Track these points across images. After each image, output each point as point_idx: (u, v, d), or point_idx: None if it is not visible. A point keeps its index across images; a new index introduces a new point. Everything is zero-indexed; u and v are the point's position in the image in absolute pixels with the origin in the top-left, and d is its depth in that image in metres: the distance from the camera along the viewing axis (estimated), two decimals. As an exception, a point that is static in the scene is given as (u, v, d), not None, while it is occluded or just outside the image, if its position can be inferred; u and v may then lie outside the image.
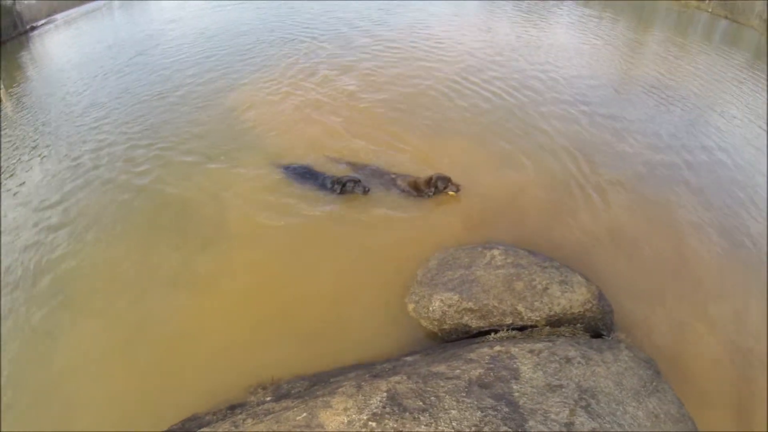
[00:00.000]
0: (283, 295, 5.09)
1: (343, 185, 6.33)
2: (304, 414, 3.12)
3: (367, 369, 3.88)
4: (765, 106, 10.69)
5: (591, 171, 7.18)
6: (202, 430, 3.49)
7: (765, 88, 11.84)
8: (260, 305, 5.04)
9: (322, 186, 6.53)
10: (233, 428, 3.32)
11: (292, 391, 3.82)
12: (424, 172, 6.60)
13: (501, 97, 9.36)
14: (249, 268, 5.48)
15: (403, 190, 6.44)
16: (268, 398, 3.92)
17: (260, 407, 3.60)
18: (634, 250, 5.89)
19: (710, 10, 18.02)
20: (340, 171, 6.92)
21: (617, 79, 11.10)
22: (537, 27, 14.42)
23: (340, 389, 3.27)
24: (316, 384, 3.84)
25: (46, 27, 16.77)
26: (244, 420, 3.40)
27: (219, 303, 5.10)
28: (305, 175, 6.80)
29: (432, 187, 6.21)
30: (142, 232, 6.18)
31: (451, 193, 6.28)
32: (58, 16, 17.59)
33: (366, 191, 6.34)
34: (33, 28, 16.31)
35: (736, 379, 4.64)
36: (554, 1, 17.58)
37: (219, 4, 16.68)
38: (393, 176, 6.69)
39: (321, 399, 3.23)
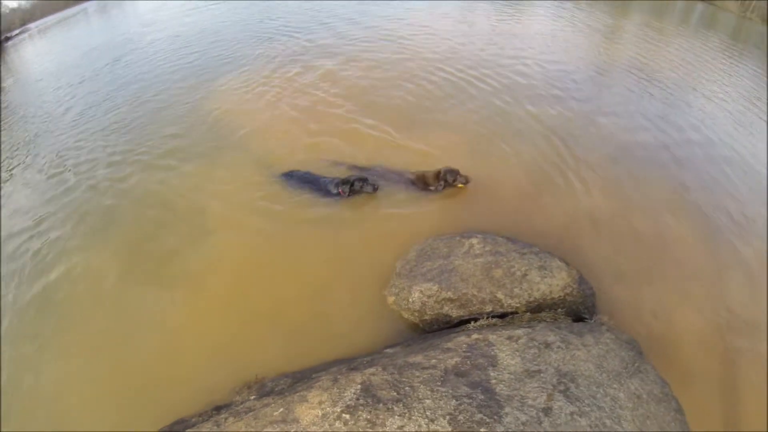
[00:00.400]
0: (267, 294, 5.07)
1: (351, 185, 6.00)
2: (281, 409, 3.11)
3: (348, 363, 3.85)
4: (743, 86, 10.79)
5: (570, 155, 7.18)
6: (187, 431, 3.46)
7: (743, 68, 11.94)
8: (245, 305, 5.01)
9: (325, 191, 6.18)
10: (215, 428, 3.32)
11: (276, 389, 3.79)
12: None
13: (477, 87, 9.32)
14: (234, 268, 5.44)
15: (414, 185, 6.30)
16: (252, 397, 3.89)
17: (243, 406, 3.58)
18: (615, 231, 5.90)
19: (687, -7, 18.17)
20: (339, 172, 6.68)
21: (595, 64, 11.10)
22: (514, 18, 14.37)
23: (317, 383, 3.26)
24: (300, 380, 3.82)
25: (21, 36, 16.54)
26: (225, 419, 3.39)
27: (204, 304, 5.07)
28: (306, 180, 6.45)
29: (441, 181, 6.08)
30: (125, 237, 6.14)
31: (460, 185, 6.17)
32: (33, 25, 17.36)
33: (375, 189, 6.07)
34: (7, 39, 16.09)
35: (720, 358, 4.66)
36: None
37: (194, 5, 16.50)
38: (397, 172, 6.54)
39: (298, 394, 3.22)
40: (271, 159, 7.14)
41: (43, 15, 17.83)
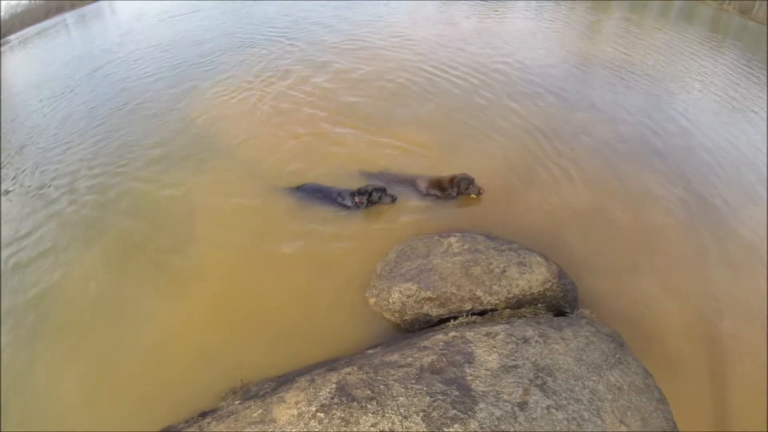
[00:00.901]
0: (253, 300, 5.09)
1: (369, 195, 5.82)
2: (260, 411, 3.15)
3: (329, 365, 3.86)
4: (721, 76, 10.94)
5: (552, 149, 7.28)
6: None
7: (721, 60, 12.10)
8: (231, 311, 5.03)
9: (339, 202, 5.99)
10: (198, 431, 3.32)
11: (260, 393, 3.79)
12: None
13: (458, 85, 9.40)
14: (219, 275, 5.46)
15: (428, 193, 6.21)
16: (237, 401, 3.89)
17: (227, 410, 3.60)
18: (598, 224, 5.96)
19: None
20: (342, 179, 6.57)
21: (576, 60, 11.23)
22: (495, 17, 14.49)
23: (295, 384, 3.29)
24: (283, 384, 3.82)
25: (1, 48, 16.42)
26: (209, 423, 3.42)
27: (190, 311, 5.09)
28: (316, 192, 6.22)
29: (455, 187, 6.00)
30: (110, 247, 6.14)
31: (473, 195, 6.09)
32: (13, 37, 17.23)
33: (394, 200, 5.91)
34: (-12, 50, 15.98)
35: (706, 347, 4.71)
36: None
37: (175, 12, 16.45)
38: (411, 178, 6.42)
39: (277, 395, 3.26)
40: (259, 167, 7.13)
41: (23, 26, 17.74)
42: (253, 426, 3.03)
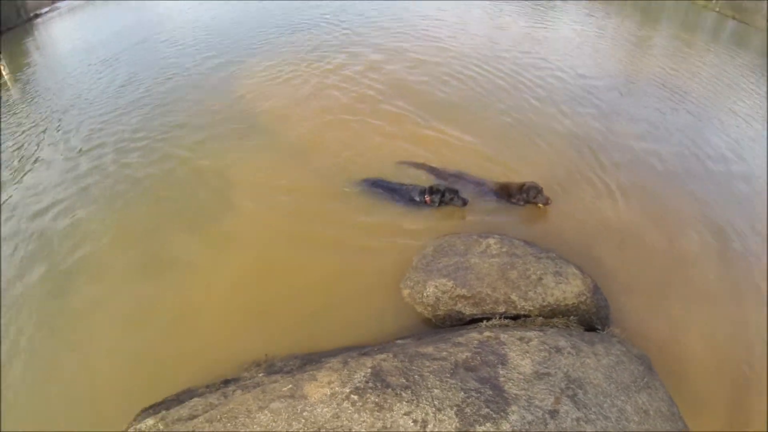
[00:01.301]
0: (284, 277, 5.14)
1: (442, 195, 5.73)
2: (290, 386, 3.18)
3: (359, 350, 3.89)
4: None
5: (594, 162, 7.15)
6: (194, 399, 3.54)
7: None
8: (261, 286, 5.08)
9: (409, 198, 5.91)
10: (223, 398, 3.39)
11: (284, 368, 3.85)
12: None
13: (509, 91, 9.30)
14: (254, 249, 5.53)
15: (497, 196, 6.14)
16: (261, 374, 3.95)
17: (251, 381, 3.66)
18: (634, 244, 5.81)
19: (717, 9, 17.83)
20: (413, 177, 6.47)
21: (622, 74, 11.00)
22: (543, 23, 14.27)
23: (327, 365, 3.33)
24: (309, 363, 3.87)
25: (50, 15, 16.78)
26: (233, 391, 3.47)
27: (221, 281, 5.16)
28: (385, 188, 6.13)
29: (523, 194, 5.93)
30: (151, 213, 6.27)
31: (540, 205, 6.00)
32: (62, 4, 17.58)
33: (465, 203, 5.81)
34: (37, 16, 16.33)
35: (730, 384, 4.56)
36: (559, 1, 17.40)
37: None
38: (479, 180, 6.35)
39: (308, 373, 3.29)
40: (304, 150, 7.16)
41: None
42: (282, 400, 3.07)
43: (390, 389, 2.95)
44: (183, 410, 3.34)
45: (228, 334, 4.60)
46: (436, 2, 15.10)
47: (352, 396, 2.94)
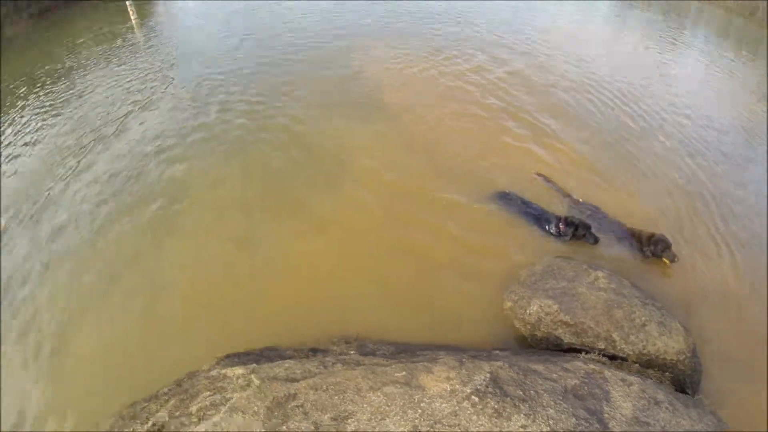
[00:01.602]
0: (385, 261, 5.27)
1: (575, 229, 5.57)
2: (404, 373, 3.27)
3: (456, 351, 3.97)
4: None
5: (714, 216, 6.80)
6: (287, 362, 3.67)
7: None
8: (361, 264, 5.24)
9: (542, 224, 5.78)
10: (323, 368, 3.52)
11: (377, 352, 3.99)
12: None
13: (638, 123, 9.02)
14: (360, 226, 5.70)
15: (627, 241, 5.96)
16: (352, 351, 4.09)
17: (345, 356, 3.80)
18: (735, 315, 5.49)
19: None
20: (543, 197, 6.36)
21: (750, 122, 10.26)
22: (671, 55, 13.57)
23: (440, 360, 3.40)
24: (402, 352, 3.99)
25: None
26: (333, 363, 3.60)
27: (316, 249, 5.38)
28: (522, 206, 6.02)
29: (651, 245, 5.72)
30: (252, 167, 6.60)
31: (666, 260, 5.75)
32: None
33: (596, 242, 5.66)
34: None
35: None
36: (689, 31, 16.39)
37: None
38: (611, 220, 6.17)
39: (421, 364, 3.37)
40: (425, 145, 7.12)
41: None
42: (396, 386, 3.17)
43: (508, 398, 3.01)
44: (278, 369, 3.49)
45: (322, 304, 4.78)
46: (577, 17, 14.63)
47: (473, 397, 3.01)
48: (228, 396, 3.21)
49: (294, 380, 3.22)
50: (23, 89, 8.94)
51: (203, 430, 2.94)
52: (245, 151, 6.95)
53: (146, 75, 9.48)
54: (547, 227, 5.73)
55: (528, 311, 4.47)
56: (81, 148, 7.10)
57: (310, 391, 3.09)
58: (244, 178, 6.42)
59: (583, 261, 5.06)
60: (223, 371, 3.60)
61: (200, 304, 4.85)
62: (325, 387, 3.14)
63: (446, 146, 7.15)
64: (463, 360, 3.38)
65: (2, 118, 8.01)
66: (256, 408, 2.96)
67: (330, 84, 8.83)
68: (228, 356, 4.04)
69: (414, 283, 5.02)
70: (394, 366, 3.39)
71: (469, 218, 5.87)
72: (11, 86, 9.01)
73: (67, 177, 6.51)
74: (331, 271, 5.14)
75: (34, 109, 8.25)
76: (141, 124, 7.72)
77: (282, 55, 10.10)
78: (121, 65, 9.92)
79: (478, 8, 13.69)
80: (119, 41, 11.29)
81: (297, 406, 2.92)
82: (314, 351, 4.19)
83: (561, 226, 5.62)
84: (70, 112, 8.13)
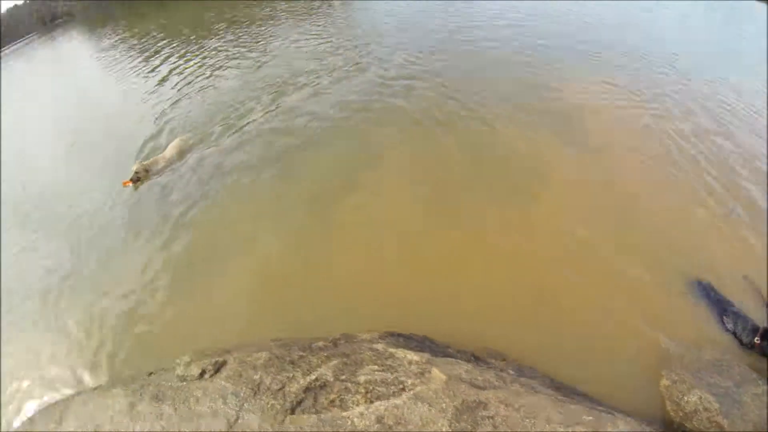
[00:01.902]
0: (548, 283, 5.31)
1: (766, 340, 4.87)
2: (591, 418, 3.26)
3: (606, 407, 3.98)
4: None
5: None
6: (464, 364, 3.75)
7: None
8: (525, 281, 5.33)
9: (732, 327, 5.10)
10: (501, 383, 3.58)
11: (536, 379, 4.08)
12: None
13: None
14: (551, 252, 5.72)
15: None
16: (511, 371, 4.12)
17: (508, 375, 3.86)
18: None
19: None
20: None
21: None
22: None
23: (620, 419, 3.36)
24: (559, 389, 4.05)
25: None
26: (511, 381, 3.71)
27: (488, 255, 5.58)
28: (712, 298, 5.40)
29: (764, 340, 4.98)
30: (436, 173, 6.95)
31: None
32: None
33: None
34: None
35: None
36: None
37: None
38: None
39: (605, 414, 3.36)
40: (627, 196, 6.64)
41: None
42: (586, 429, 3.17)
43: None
44: (459, 369, 3.56)
45: (480, 312, 4.94)
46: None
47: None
48: (401, 379, 3.33)
49: (479, 387, 3.27)
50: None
51: (383, 407, 3.09)
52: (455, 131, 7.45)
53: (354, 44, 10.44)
54: (736, 330, 5.07)
55: (686, 399, 4.27)
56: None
57: (501, 406, 3.09)
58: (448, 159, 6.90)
59: (751, 369, 4.76)
60: (391, 350, 3.72)
61: (364, 272, 5.29)
62: (516, 406, 3.12)
63: (647, 206, 6.51)
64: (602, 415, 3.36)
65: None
66: (444, 405, 3.04)
67: (524, 90, 8.96)
68: (391, 334, 4.21)
69: (573, 315, 5.04)
70: (579, 407, 3.40)
71: (662, 297, 5.50)
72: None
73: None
74: (500, 288, 5.25)
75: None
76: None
77: (479, 57, 10.46)
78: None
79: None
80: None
81: (487, 417, 2.95)
82: (476, 358, 4.29)
83: (757, 339, 4.93)
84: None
